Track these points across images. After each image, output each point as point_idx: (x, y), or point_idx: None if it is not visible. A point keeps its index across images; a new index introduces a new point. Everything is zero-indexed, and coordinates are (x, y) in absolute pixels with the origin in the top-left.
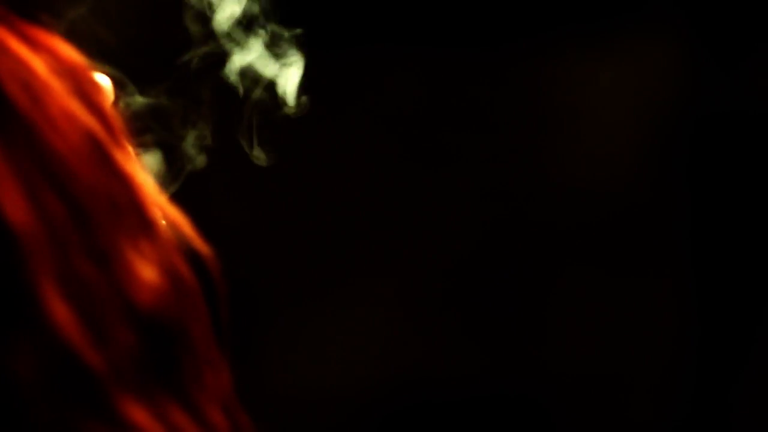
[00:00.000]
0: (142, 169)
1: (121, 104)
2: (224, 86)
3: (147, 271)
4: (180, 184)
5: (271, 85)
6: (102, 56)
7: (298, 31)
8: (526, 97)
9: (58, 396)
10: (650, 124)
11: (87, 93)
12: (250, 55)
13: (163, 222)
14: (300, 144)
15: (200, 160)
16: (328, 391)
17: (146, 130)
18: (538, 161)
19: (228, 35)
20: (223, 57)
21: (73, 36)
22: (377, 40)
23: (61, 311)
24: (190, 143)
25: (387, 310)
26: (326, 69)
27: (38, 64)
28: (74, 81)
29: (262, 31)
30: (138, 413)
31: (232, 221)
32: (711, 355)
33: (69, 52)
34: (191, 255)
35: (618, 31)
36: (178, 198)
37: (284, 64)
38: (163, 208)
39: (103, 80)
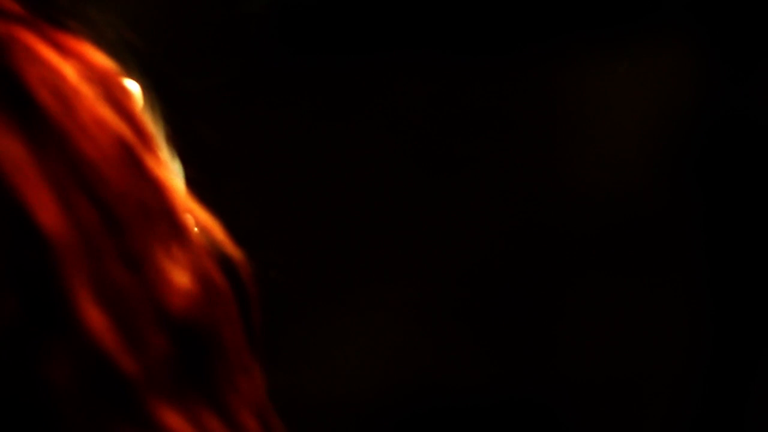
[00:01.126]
0: (173, 175)
1: (151, 109)
2: (236, 90)
3: (180, 277)
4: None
5: (284, 91)
6: (130, 61)
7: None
8: (538, 102)
9: (92, 402)
10: (663, 129)
11: (117, 99)
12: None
13: (195, 227)
14: (313, 150)
15: (215, 165)
16: (340, 398)
17: (175, 134)
18: (550, 167)
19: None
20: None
21: (101, 41)
22: (388, 46)
23: (95, 317)
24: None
25: (399, 316)
26: (340, 74)
27: (68, 71)
28: (104, 87)
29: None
30: (172, 418)
31: (244, 227)
32: (724, 360)
33: (98, 57)
34: (223, 260)
35: (630, 36)
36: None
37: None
38: (194, 213)
39: (133, 85)
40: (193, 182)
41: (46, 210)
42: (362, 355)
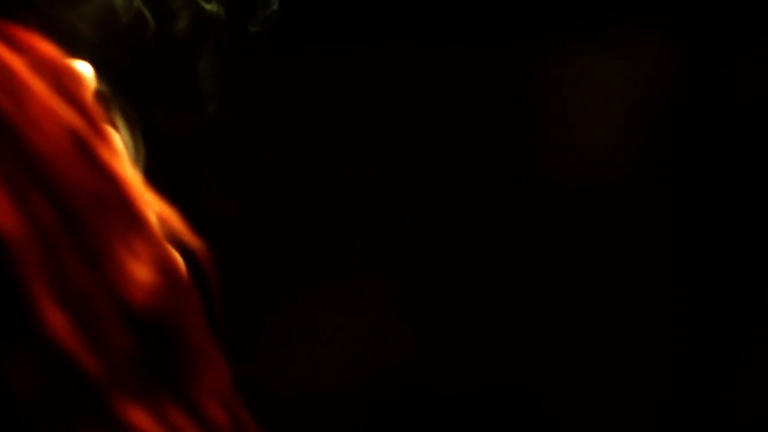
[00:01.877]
0: (129, 164)
1: (104, 96)
2: (212, 77)
3: (140, 270)
4: (172, 179)
5: (265, 81)
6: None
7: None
8: (517, 92)
9: (57, 404)
10: (643, 118)
11: (68, 90)
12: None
13: (154, 218)
14: (293, 140)
15: (191, 154)
16: (320, 388)
17: (132, 121)
18: (531, 156)
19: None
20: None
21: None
22: (369, 36)
23: (56, 318)
24: (178, 134)
25: (380, 306)
26: (320, 64)
27: (17, 64)
28: (55, 78)
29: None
30: (138, 416)
31: (224, 217)
32: (704, 350)
33: (48, 48)
34: (183, 250)
35: (610, 25)
36: (170, 193)
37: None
38: (152, 203)
39: (85, 70)
40: (169, 172)
41: (1, 210)
42: (343, 345)
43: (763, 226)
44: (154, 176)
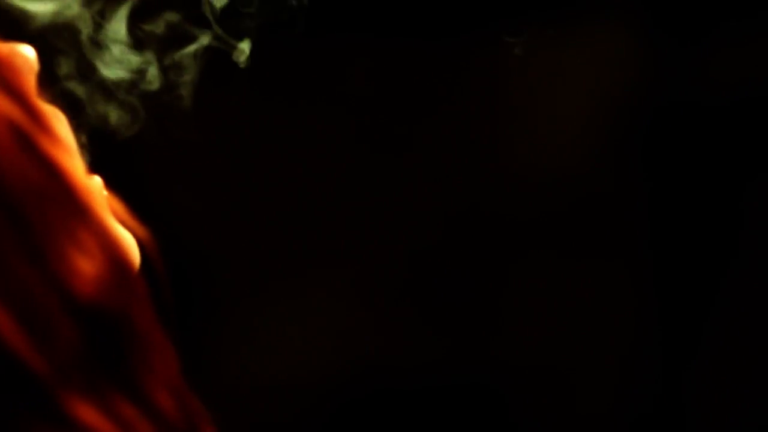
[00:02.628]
0: (73, 155)
1: (46, 83)
2: (172, 67)
3: (85, 262)
4: (129, 171)
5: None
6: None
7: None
8: (483, 86)
9: (4, 404)
10: (608, 111)
11: (6, 78)
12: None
13: (99, 209)
14: (256, 130)
15: (154, 147)
16: (284, 381)
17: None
18: (495, 149)
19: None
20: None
21: None
22: (333, 28)
23: (5, 324)
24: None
25: (343, 299)
26: (281, 57)
27: None
28: None
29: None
30: (87, 412)
31: (187, 209)
32: (669, 344)
33: None
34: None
35: (575, 18)
36: (127, 186)
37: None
38: (96, 193)
39: (24, 58)
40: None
41: None
42: (307, 337)
43: (729, 219)
44: (108, 168)
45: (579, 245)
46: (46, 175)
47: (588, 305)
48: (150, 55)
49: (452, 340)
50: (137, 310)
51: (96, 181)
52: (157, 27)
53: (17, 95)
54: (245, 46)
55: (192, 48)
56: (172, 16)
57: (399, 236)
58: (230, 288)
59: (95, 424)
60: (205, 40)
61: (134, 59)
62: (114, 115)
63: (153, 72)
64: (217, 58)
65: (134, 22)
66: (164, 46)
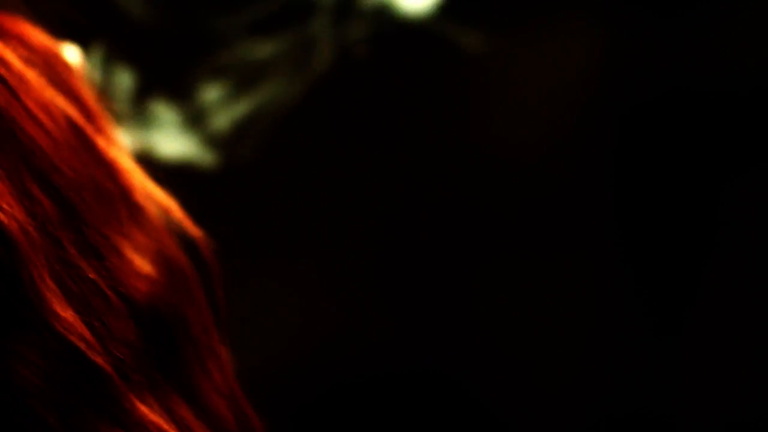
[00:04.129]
0: (127, 154)
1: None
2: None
3: (140, 261)
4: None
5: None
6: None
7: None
8: (448, 79)
9: (66, 401)
10: (573, 107)
11: (62, 80)
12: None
13: (154, 208)
14: (227, 117)
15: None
16: (248, 371)
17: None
18: (464, 142)
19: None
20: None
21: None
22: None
23: (62, 312)
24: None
25: (311, 288)
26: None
27: (9, 56)
28: (48, 68)
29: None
30: (147, 411)
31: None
32: (631, 337)
33: (38, 36)
34: (183, 240)
35: (543, 9)
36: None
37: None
38: (151, 193)
39: (74, 55)
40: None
41: (4, 204)
42: (273, 326)
43: (698, 215)
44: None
45: (543, 239)
46: (103, 175)
47: (549, 297)
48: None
49: (419, 328)
50: (193, 313)
51: (151, 181)
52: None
53: (73, 96)
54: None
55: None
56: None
57: (362, 227)
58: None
59: (156, 423)
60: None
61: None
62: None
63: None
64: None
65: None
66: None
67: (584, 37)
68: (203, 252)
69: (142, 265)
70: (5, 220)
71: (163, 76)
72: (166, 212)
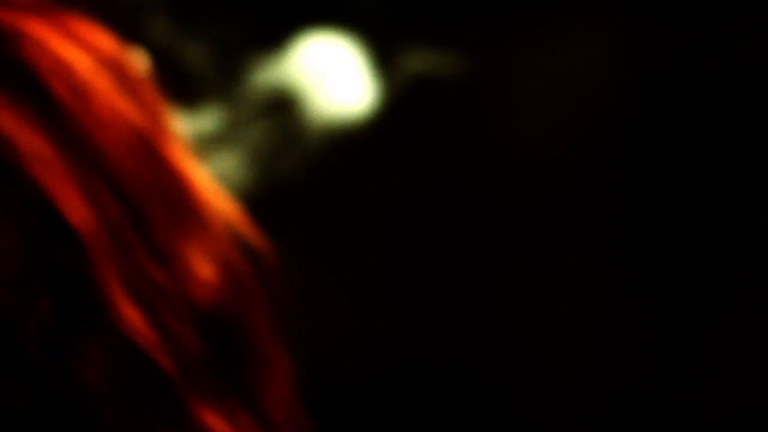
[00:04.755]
0: (193, 162)
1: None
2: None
3: (205, 269)
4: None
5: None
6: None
7: None
8: (462, 81)
9: (131, 403)
10: (589, 109)
11: (132, 87)
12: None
13: (219, 216)
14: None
15: None
16: None
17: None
18: (476, 147)
19: None
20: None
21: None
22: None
23: (130, 314)
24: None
25: (321, 291)
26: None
27: (81, 62)
28: (118, 74)
29: None
30: (210, 417)
31: None
32: (645, 339)
33: (108, 42)
34: (247, 249)
35: (562, 10)
36: None
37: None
38: (216, 201)
39: (141, 60)
40: None
41: (74, 206)
42: (291, 329)
43: (708, 220)
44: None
45: (559, 240)
46: (169, 181)
47: (566, 299)
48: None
49: (431, 329)
50: (255, 321)
51: (217, 188)
52: None
53: (143, 103)
54: None
55: None
56: None
57: (378, 229)
58: None
59: (216, 429)
60: None
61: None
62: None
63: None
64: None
65: None
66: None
67: (602, 39)
68: (266, 261)
69: (207, 273)
70: (76, 222)
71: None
72: (230, 221)
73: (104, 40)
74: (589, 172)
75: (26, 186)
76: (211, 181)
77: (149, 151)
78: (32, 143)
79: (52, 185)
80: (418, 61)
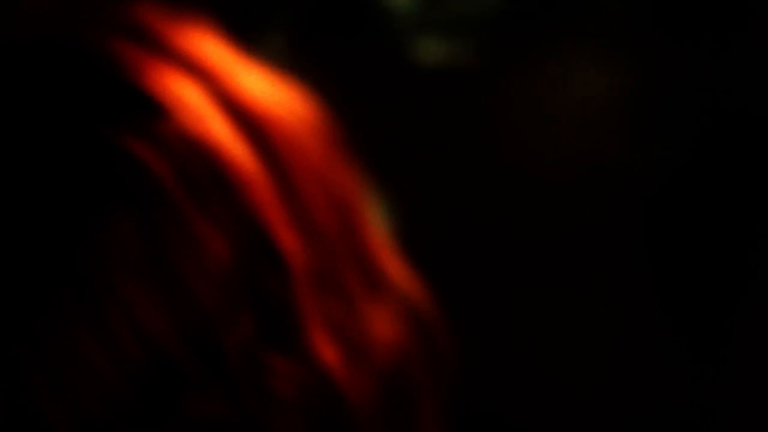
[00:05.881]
0: (375, 224)
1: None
2: None
3: (385, 326)
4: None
5: None
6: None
7: None
8: (489, 101)
9: (312, 423)
10: (604, 134)
11: (334, 150)
12: None
13: (397, 282)
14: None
15: None
16: None
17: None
18: (490, 171)
19: None
20: None
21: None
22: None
23: (327, 350)
24: None
25: None
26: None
27: (296, 117)
28: (321, 135)
29: None
30: None
31: None
32: (659, 367)
33: (322, 115)
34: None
35: (579, 33)
36: None
37: None
38: (394, 265)
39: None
40: None
41: (287, 238)
42: None
43: (724, 248)
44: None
45: (575, 266)
46: (358, 244)
47: (581, 325)
48: None
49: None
50: (427, 382)
51: (395, 253)
52: None
53: (341, 165)
54: None
55: None
56: None
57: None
58: None
59: None
60: None
61: None
62: None
63: None
64: None
65: None
66: None
67: (618, 64)
68: (438, 333)
69: (386, 330)
70: (287, 253)
71: None
72: (405, 286)
73: (308, 100)
74: (606, 198)
75: (241, 206)
76: (389, 246)
77: (345, 210)
78: (252, 171)
79: (267, 213)
80: (428, 86)
